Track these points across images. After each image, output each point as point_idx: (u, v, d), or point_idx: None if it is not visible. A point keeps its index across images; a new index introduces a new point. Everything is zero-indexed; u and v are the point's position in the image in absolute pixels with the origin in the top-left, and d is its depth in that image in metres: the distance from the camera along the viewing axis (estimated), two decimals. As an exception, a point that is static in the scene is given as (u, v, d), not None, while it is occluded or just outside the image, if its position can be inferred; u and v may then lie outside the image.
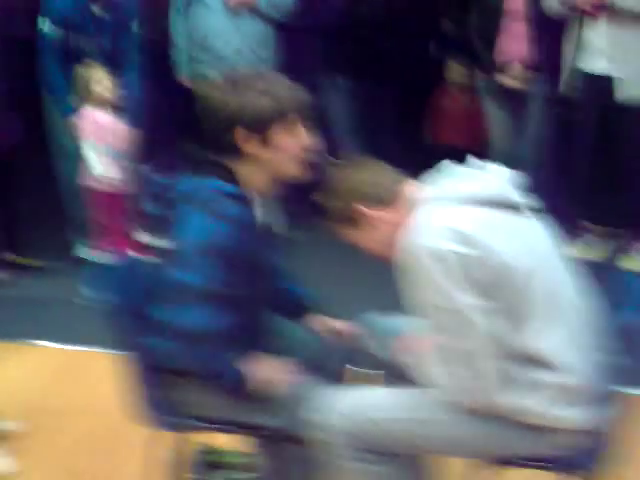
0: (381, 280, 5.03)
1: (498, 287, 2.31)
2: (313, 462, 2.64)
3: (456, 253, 2.27)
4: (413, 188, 2.52)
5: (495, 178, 2.46)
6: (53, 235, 5.87)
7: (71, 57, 5.22)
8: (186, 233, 2.46)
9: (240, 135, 2.50)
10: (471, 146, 6.08)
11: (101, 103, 5.13)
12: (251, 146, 2.52)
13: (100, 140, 5.13)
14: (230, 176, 2.54)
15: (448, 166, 2.54)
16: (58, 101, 5.29)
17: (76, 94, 5.15)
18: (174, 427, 2.77)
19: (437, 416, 2.47)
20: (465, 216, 2.35)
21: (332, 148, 5.98)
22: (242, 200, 2.53)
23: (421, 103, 6.58)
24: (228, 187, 2.51)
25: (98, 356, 4.27)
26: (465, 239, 2.28)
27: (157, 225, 2.61)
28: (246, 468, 3.29)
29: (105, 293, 2.70)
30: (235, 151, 2.53)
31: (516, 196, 2.47)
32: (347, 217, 2.56)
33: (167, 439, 2.84)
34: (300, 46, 5.87)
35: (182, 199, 2.50)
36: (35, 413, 3.85)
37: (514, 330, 2.35)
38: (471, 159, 2.57)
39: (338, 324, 3.02)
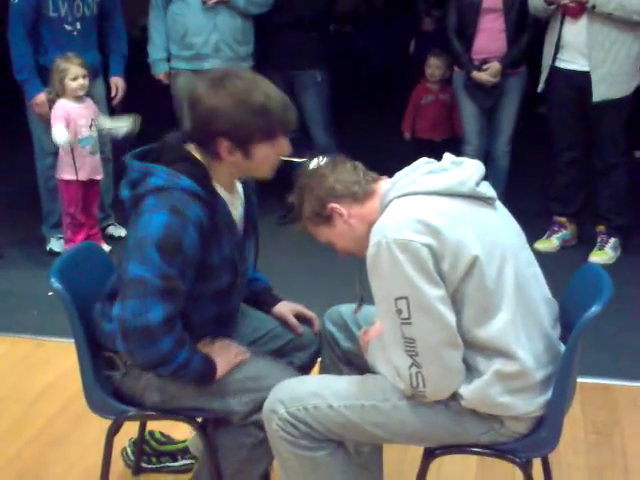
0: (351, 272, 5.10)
1: (466, 279, 2.32)
2: (254, 447, 2.65)
3: (425, 245, 2.27)
4: (386, 184, 2.52)
5: (469, 172, 2.45)
6: (28, 229, 5.88)
7: (44, 29, 5.20)
8: (147, 228, 2.44)
9: (224, 145, 2.50)
10: (449, 141, 6.12)
11: (74, 97, 5.12)
12: (232, 156, 2.53)
13: (75, 133, 5.12)
14: (201, 174, 2.54)
15: (424, 161, 2.53)
16: (24, 81, 5.24)
17: (51, 85, 5.13)
18: (121, 414, 2.76)
19: (384, 403, 2.48)
20: (435, 208, 2.34)
21: (307, 143, 6.00)
22: (208, 202, 2.51)
23: (402, 99, 6.60)
24: (196, 188, 2.49)
25: (56, 346, 4.31)
26: (434, 231, 2.29)
27: (127, 211, 2.59)
28: (182, 455, 3.31)
29: (56, 280, 2.68)
30: (215, 156, 2.54)
31: (488, 190, 2.47)
32: (320, 215, 2.55)
33: (121, 428, 2.85)
34: (279, 42, 5.83)
35: (152, 191, 2.49)
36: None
37: (480, 322, 2.35)
38: (448, 154, 2.56)
39: (304, 310, 3.02)
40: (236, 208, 2.71)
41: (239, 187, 2.75)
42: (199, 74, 5.45)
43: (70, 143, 5.08)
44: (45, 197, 5.60)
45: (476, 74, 5.60)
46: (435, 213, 2.32)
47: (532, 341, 2.40)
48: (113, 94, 5.62)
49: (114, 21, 5.59)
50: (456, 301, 2.34)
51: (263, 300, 3.03)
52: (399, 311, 2.31)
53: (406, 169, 2.51)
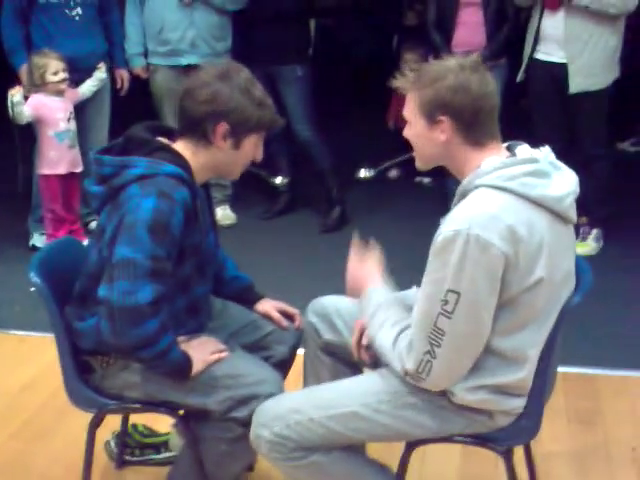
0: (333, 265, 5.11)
1: (523, 294, 2.31)
2: (233, 442, 2.66)
3: (504, 254, 2.23)
4: (491, 160, 2.36)
5: (567, 190, 2.39)
6: (9, 225, 5.86)
7: (45, 16, 5.29)
8: (136, 212, 2.48)
9: (221, 130, 2.59)
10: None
11: (55, 92, 5.12)
12: (224, 143, 2.61)
13: (53, 127, 5.13)
14: (183, 162, 2.59)
15: (528, 155, 2.41)
16: (12, 52, 5.34)
17: (28, 82, 5.14)
18: (102, 408, 2.77)
19: (363, 408, 2.47)
20: (524, 217, 2.28)
21: (288, 136, 6.00)
22: (189, 185, 2.56)
23: (385, 92, 6.62)
24: (180, 172, 2.54)
25: (39, 341, 4.29)
26: (517, 242, 2.24)
27: (99, 206, 2.63)
28: (165, 447, 3.31)
29: (35, 276, 2.69)
30: (206, 139, 2.61)
31: (573, 211, 2.42)
32: (428, 113, 2.40)
33: (103, 421, 2.88)
34: (258, 36, 5.79)
35: (133, 180, 2.52)
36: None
37: (511, 332, 2.35)
38: (548, 149, 2.46)
39: (287, 307, 3.03)
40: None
41: None
42: (176, 70, 5.60)
43: (24, 120, 5.11)
44: (36, 190, 5.56)
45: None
46: (523, 223, 2.26)
47: (540, 348, 2.43)
48: (119, 86, 5.71)
49: (112, 13, 5.63)
50: (502, 308, 2.32)
51: (246, 297, 3.05)
52: (445, 302, 2.28)
53: (512, 160, 2.37)
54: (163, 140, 2.66)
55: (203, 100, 2.57)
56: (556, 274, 2.35)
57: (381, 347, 2.47)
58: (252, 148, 2.66)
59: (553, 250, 2.33)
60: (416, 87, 2.42)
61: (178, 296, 2.67)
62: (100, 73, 5.44)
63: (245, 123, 2.59)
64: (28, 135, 5.38)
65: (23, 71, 5.27)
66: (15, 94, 4.99)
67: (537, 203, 2.31)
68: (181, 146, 2.64)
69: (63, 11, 5.27)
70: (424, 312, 2.34)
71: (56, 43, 5.21)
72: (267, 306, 3.02)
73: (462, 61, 2.39)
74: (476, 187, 2.34)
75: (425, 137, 2.44)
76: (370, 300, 2.58)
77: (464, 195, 2.38)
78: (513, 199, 2.29)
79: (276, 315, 2.99)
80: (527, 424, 2.50)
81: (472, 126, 2.37)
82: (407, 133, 2.50)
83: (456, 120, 2.37)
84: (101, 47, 5.54)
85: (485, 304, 2.28)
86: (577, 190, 2.43)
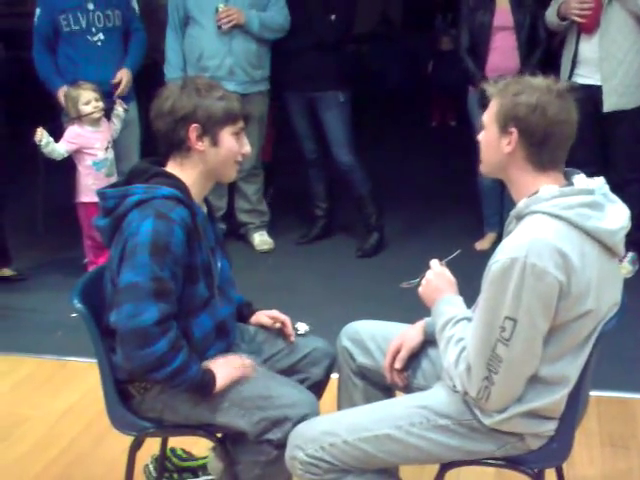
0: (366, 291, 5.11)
1: (570, 324, 2.34)
2: (267, 465, 2.69)
3: (559, 281, 2.27)
4: (549, 188, 2.39)
5: (619, 225, 2.41)
6: (51, 252, 5.95)
7: (69, 46, 5.42)
8: (136, 236, 2.55)
9: (194, 132, 2.68)
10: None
11: (90, 121, 5.23)
12: (201, 144, 2.70)
13: (90, 156, 5.24)
14: (179, 184, 2.67)
15: (585, 186, 2.41)
16: (47, 80, 5.49)
17: (66, 113, 5.26)
18: (142, 431, 2.82)
19: (396, 431, 2.51)
20: (579, 248, 2.31)
21: (325, 163, 6.06)
22: (187, 204, 2.64)
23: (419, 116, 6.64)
24: (177, 193, 2.62)
25: (80, 366, 4.38)
26: (571, 271, 2.27)
27: (109, 238, 2.71)
28: (203, 471, 3.35)
29: (78, 301, 2.76)
30: (185, 147, 2.70)
31: (622, 245, 2.46)
32: (501, 123, 2.44)
33: (143, 444, 2.91)
34: (300, 64, 5.81)
35: (133, 207, 2.60)
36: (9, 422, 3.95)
37: (553, 360, 2.39)
38: (600, 181, 2.47)
39: (277, 314, 3.06)
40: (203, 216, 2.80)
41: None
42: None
43: (59, 157, 5.20)
44: None
45: (490, 92, 5.61)
46: (577, 253, 2.29)
47: (577, 372, 2.45)
48: (116, 80, 5.52)
49: (135, 34, 5.69)
50: (550, 335, 2.35)
51: (241, 312, 3.06)
52: (502, 329, 2.31)
53: (571, 189, 2.39)
54: (161, 168, 2.74)
55: (167, 112, 2.67)
56: (603, 306, 2.39)
57: (447, 363, 2.49)
58: (232, 142, 2.72)
59: (602, 282, 2.36)
60: (500, 95, 2.46)
61: (205, 317, 2.72)
62: (117, 112, 5.46)
63: (213, 117, 2.67)
64: (52, 166, 5.44)
65: (61, 93, 5.37)
66: (40, 139, 5.07)
67: (590, 234, 2.34)
68: (170, 167, 2.73)
69: (85, 37, 5.38)
70: (483, 339, 2.37)
71: (81, 70, 5.33)
72: (259, 316, 3.06)
73: (551, 83, 2.43)
74: (532, 212, 2.37)
75: (493, 144, 2.48)
76: (443, 313, 2.58)
77: (519, 218, 2.42)
78: (568, 228, 2.32)
79: (266, 321, 3.03)
80: (558, 446, 2.51)
81: (539, 148, 2.40)
82: (480, 137, 2.55)
83: (525, 137, 2.40)
84: None
85: (541, 331, 2.31)
86: (629, 225, 2.44)
